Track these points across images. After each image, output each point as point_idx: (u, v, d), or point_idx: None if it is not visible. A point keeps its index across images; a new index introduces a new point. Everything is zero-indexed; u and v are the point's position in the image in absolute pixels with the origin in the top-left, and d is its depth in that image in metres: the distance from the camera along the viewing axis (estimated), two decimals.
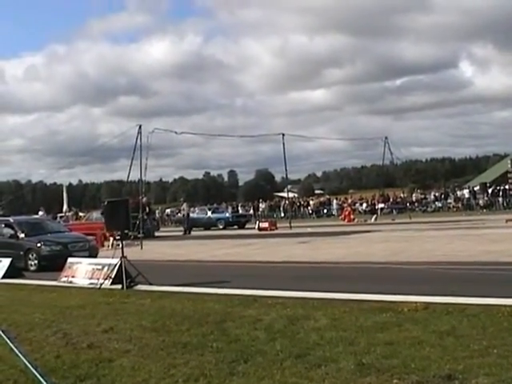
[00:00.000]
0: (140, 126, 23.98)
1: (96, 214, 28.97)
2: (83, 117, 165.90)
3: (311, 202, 48.65)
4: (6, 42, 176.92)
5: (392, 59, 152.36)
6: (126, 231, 13.88)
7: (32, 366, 5.35)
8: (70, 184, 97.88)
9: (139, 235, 22.44)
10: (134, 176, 25.97)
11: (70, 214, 39.84)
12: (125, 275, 10.88)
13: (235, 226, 35.70)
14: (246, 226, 35.61)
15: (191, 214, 36.70)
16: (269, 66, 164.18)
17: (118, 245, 14.43)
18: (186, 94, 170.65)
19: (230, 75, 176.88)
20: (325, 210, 46.31)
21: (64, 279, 12.47)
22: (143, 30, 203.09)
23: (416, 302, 7.34)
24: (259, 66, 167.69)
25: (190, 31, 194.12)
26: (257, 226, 31.57)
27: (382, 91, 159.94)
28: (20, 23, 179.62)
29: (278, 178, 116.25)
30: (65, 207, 44.11)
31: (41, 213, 35.64)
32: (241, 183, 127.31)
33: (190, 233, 31.61)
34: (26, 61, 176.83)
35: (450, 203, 41.62)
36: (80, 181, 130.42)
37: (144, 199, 27.85)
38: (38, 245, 15.89)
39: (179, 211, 41.89)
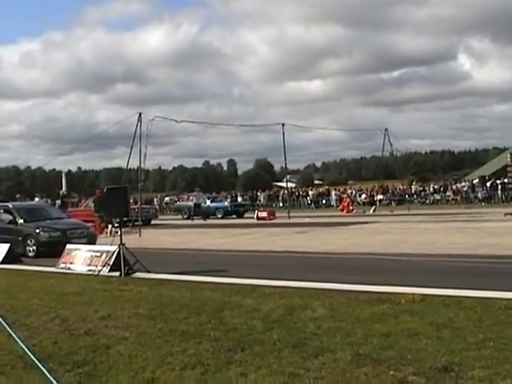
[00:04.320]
0: (140, 114, 23.96)
1: None
2: (81, 104, 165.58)
3: (310, 193, 48.57)
4: (3, 28, 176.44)
5: (389, 51, 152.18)
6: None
7: (30, 352, 5.36)
8: (69, 171, 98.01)
9: (138, 223, 22.51)
10: (133, 164, 25.98)
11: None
12: (123, 262, 10.89)
13: (234, 215, 35.74)
14: (245, 216, 35.63)
15: (190, 204, 36.64)
16: (265, 56, 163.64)
17: (117, 232, 14.44)
18: (182, 82, 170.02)
19: (226, 64, 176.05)
20: (324, 201, 46.26)
21: (62, 265, 12.48)
22: (139, 19, 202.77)
23: (413, 294, 7.35)
24: (256, 56, 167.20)
25: (185, 20, 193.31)
26: (255, 216, 31.62)
27: (379, 83, 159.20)
28: (17, 10, 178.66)
29: (277, 167, 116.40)
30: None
31: (37, 199, 35.68)
32: (240, 172, 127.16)
33: (193, 219, 31.67)
34: (23, 47, 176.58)
35: (449, 196, 41.62)
36: (79, 168, 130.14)
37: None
38: (37, 231, 15.91)
39: (188, 197, 41.03)
